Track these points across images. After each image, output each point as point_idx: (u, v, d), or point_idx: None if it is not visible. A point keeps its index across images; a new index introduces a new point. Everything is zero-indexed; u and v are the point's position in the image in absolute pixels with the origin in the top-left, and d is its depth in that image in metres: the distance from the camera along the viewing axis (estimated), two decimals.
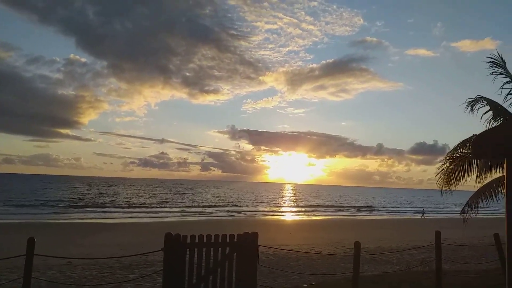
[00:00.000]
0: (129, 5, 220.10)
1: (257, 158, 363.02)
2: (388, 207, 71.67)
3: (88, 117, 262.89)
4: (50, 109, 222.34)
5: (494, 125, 11.30)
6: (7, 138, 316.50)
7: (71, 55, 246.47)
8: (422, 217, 45.57)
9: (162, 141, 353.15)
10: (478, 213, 12.97)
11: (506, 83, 11.31)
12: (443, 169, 12.53)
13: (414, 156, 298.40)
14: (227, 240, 6.42)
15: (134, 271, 11.40)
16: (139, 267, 11.95)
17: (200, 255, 6.23)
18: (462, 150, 12.00)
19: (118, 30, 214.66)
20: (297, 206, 65.50)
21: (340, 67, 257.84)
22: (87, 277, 10.49)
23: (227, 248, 6.41)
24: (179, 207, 52.45)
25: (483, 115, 11.80)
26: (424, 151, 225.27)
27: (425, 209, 53.74)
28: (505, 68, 11.29)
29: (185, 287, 6.08)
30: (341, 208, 63.30)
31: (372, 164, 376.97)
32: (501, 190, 12.04)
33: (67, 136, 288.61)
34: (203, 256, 6.24)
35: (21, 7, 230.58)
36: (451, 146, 12.62)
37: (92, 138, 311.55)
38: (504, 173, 6.56)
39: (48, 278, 9.43)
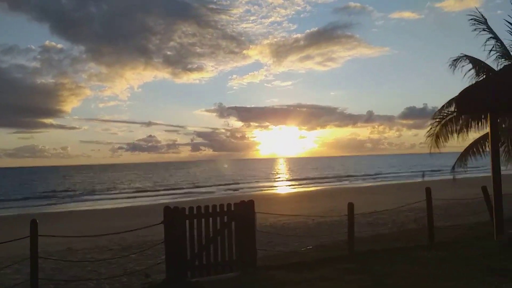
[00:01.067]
0: None
1: (247, 135, 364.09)
2: (381, 173, 72.64)
3: (70, 104, 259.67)
4: (31, 99, 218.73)
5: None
6: None
7: (47, 42, 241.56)
8: (423, 180, 46.37)
9: (148, 124, 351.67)
10: (467, 171, 13.30)
11: (488, 39, 11.50)
12: (431, 129, 12.78)
13: (404, 121, 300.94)
14: (225, 209, 6.56)
15: (135, 252, 11.55)
16: (140, 247, 12.10)
17: (200, 225, 6.36)
18: (449, 109, 12.23)
19: (93, 13, 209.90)
20: (291, 179, 66.14)
21: (325, 35, 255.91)
22: (89, 260, 10.62)
23: (225, 217, 6.55)
24: (172, 188, 52.58)
25: (466, 73, 12.02)
26: (414, 115, 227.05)
27: (425, 172, 53.90)
28: (486, 24, 11.42)
29: (188, 257, 6.23)
30: (335, 178, 64.04)
31: (363, 132, 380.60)
32: (488, 146, 12.36)
33: (51, 126, 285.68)
34: (202, 226, 6.37)
35: None
36: None
37: (77, 126, 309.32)
38: (489, 126, 6.74)
39: (50, 264, 9.53)
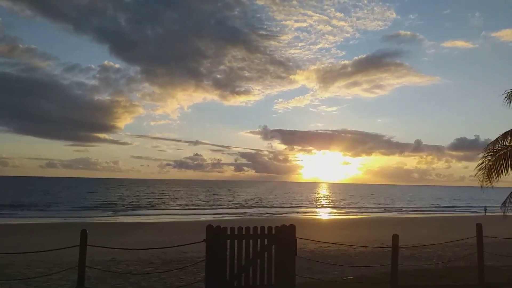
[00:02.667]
0: (158, 11, 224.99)
1: (290, 158, 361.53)
2: (428, 205, 69.73)
3: (124, 121, 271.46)
4: (88, 115, 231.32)
5: None
6: (49, 144, 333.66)
7: (106, 62, 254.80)
8: (485, 215, 44.08)
9: (196, 143, 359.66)
10: None
11: None
12: (483, 163, 12.20)
13: (454, 152, 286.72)
14: (266, 232, 6.60)
15: (175, 267, 11.77)
16: (180, 263, 12.31)
17: (240, 246, 6.44)
18: (504, 143, 11.66)
19: (149, 36, 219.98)
20: (333, 205, 64.89)
21: (373, 62, 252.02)
22: (131, 272, 10.95)
23: (266, 240, 6.58)
24: (215, 206, 53.24)
25: None
26: (465, 146, 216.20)
27: (487, 207, 50.42)
28: None
29: (227, 277, 6.30)
30: (379, 206, 62.15)
31: (410, 161, 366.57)
32: None
33: (105, 140, 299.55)
34: (243, 247, 6.44)
35: (56, 18, 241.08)
36: None
37: (129, 142, 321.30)
38: None
39: (95, 273, 9.92)
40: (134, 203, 55.19)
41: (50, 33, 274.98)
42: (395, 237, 7.22)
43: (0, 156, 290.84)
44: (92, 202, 56.22)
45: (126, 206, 50.15)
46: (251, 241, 6.54)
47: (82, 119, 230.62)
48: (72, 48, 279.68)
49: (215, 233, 6.29)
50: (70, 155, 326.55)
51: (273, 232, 6.63)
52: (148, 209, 47.13)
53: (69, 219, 33.35)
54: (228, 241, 6.39)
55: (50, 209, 44.52)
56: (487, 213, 45.20)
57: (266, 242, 6.57)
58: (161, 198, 68.41)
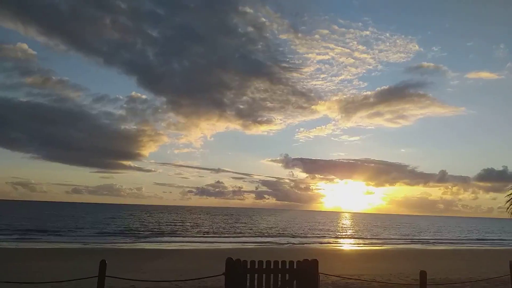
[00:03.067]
0: (186, 45, 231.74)
1: (311, 186, 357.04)
2: (456, 237, 67.31)
3: (148, 149, 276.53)
4: (114, 143, 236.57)
5: None
6: (75, 170, 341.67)
7: (133, 93, 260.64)
8: None
9: (217, 170, 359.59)
10: None
11: None
12: None
13: (481, 183, 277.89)
14: (287, 267, 6.42)
15: None
16: None
17: (260, 281, 6.26)
18: None
19: (175, 69, 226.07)
20: (356, 235, 63.35)
21: (396, 93, 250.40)
22: None
23: (287, 275, 6.39)
24: (235, 234, 52.76)
25: None
26: (493, 178, 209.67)
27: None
28: None
29: None
30: (404, 237, 60.32)
31: (435, 192, 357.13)
32: None
33: (130, 168, 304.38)
34: (263, 281, 6.27)
35: (88, 52, 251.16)
36: None
37: (153, 169, 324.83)
38: None
39: None
40: (155, 230, 55.26)
41: (81, 66, 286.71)
42: (423, 274, 6.90)
43: (29, 182, 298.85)
44: (114, 227, 56.65)
45: (147, 233, 50.25)
46: (271, 275, 6.36)
47: (109, 147, 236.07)
48: (101, 80, 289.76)
49: (234, 266, 6.15)
50: (96, 182, 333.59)
51: (295, 266, 6.44)
52: (169, 236, 47.02)
53: (91, 245, 33.57)
54: (248, 275, 6.23)
55: (74, 234, 45.02)
56: None
57: (287, 277, 6.38)
58: (182, 225, 68.34)
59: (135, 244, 36.92)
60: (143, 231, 52.70)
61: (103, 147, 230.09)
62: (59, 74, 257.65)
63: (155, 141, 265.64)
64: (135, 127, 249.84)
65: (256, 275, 6.24)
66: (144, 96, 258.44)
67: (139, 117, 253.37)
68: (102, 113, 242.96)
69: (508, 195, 11.70)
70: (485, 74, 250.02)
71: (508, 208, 11.72)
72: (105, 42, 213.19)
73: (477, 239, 62.28)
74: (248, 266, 6.22)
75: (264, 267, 6.30)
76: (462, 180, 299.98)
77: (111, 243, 36.38)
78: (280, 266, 6.35)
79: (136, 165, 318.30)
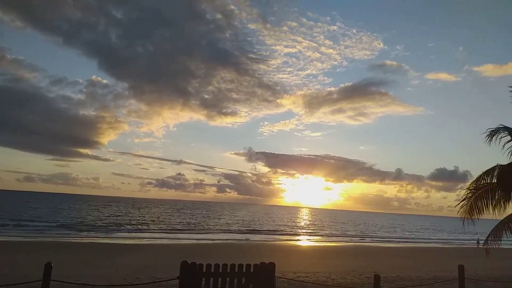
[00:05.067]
0: (151, 29, 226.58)
1: (273, 181, 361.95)
2: (408, 234, 70.03)
3: (107, 137, 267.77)
4: (71, 129, 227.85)
5: None
6: (28, 157, 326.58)
7: (93, 77, 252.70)
8: (478, 246, 44.05)
9: (179, 162, 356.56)
10: (501, 245, 12.57)
11: None
12: (465, 198, 12.26)
13: (434, 183, 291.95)
14: (244, 270, 6.35)
15: None
16: None
17: (216, 285, 6.16)
18: (486, 180, 11.74)
19: (139, 53, 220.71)
20: (314, 232, 64.55)
21: (358, 90, 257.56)
22: None
23: (243, 279, 6.33)
24: (195, 229, 52.35)
25: (505, 144, 11.61)
26: (445, 177, 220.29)
27: (479, 238, 50.22)
28: None
29: None
30: (359, 234, 62.11)
31: (390, 189, 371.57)
32: None
33: (87, 156, 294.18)
34: (218, 285, 6.17)
35: (46, 30, 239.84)
36: (473, 173, 12.43)
37: (111, 158, 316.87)
38: None
39: None
40: (112, 223, 53.84)
41: (39, 44, 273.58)
42: (377, 278, 7.04)
43: None
44: (69, 219, 54.67)
45: (103, 226, 48.88)
46: (227, 279, 6.27)
47: (65, 134, 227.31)
48: (60, 61, 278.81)
49: (189, 270, 6.01)
50: (50, 170, 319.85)
51: (252, 270, 6.39)
52: (127, 230, 45.99)
53: (42, 238, 32.25)
54: (204, 279, 6.11)
55: (24, 226, 43.02)
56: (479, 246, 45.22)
57: (243, 281, 6.31)
58: (140, 218, 67.03)
59: (90, 237, 35.82)
60: (99, 223, 51.22)
61: (59, 133, 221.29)
62: (14, 53, 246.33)
63: (115, 129, 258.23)
64: (94, 113, 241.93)
65: (211, 279, 6.14)
66: (105, 81, 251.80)
67: (99, 102, 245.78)
68: (59, 97, 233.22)
69: (460, 197, 12.15)
70: (444, 76, 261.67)
71: (460, 209, 12.21)
72: (65, 20, 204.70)
73: (428, 238, 65.09)
74: (204, 270, 6.10)
75: (220, 270, 6.21)
76: (416, 179, 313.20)
77: (65, 236, 35.13)
78: (236, 270, 6.28)
79: (93, 154, 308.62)
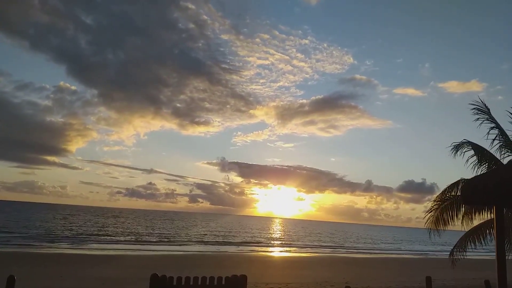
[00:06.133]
0: (121, 36, 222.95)
1: (246, 191, 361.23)
2: (378, 245, 71.13)
3: (76, 145, 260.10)
4: (38, 136, 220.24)
5: (478, 170, 11.58)
6: None
7: (61, 83, 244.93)
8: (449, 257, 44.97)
9: (150, 171, 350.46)
10: (466, 256, 13.01)
11: (491, 128, 11.64)
12: (432, 211, 12.66)
13: (402, 194, 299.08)
14: (215, 283, 6.33)
15: None
16: None
17: None
18: (451, 194, 12.17)
19: (109, 60, 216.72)
20: (286, 242, 64.70)
21: (329, 103, 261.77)
22: None
23: None
24: (166, 240, 51.49)
25: (469, 158, 12.10)
26: (413, 189, 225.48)
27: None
28: (489, 114, 11.64)
29: None
30: (331, 245, 62.66)
31: (361, 200, 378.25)
32: (489, 233, 12.15)
33: (54, 164, 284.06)
34: None
35: (12, 33, 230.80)
36: (439, 185, 12.88)
37: (79, 167, 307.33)
38: (494, 218, 6.69)
39: None
40: (79, 233, 52.30)
41: (3, 48, 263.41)
42: None
43: None
44: (33, 229, 52.74)
45: (70, 236, 47.42)
46: None
47: (31, 140, 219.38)
48: (26, 66, 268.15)
49: (159, 283, 5.95)
50: (15, 177, 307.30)
51: (223, 282, 6.38)
52: (95, 240, 44.75)
53: (4, 248, 30.99)
54: None
55: None
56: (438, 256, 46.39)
57: None
58: (109, 228, 65.42)
59: (56, 248, 34.68)
60: (66, 234, 49.67)
61: (25, 139, 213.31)
62: None
63: (83, 136, 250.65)
64: (62, 119, 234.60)
65: None
66: (73, 87, 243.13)
67: (67, 109, 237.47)
68: (25, 103, 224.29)
69: (427, 210, 12.54)
70: (411, 91, 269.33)
71: (426, 220, 12.61)
72: (32, 24, 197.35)
73: (398, 248, 66.25)
74: (174, 283, 6.05)
75: (191, 283, 6.17)
76: (386, 191, 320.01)
77: (29, 247, 33.86)
78: (207, 283, 6.25)
79: (61, 161, 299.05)
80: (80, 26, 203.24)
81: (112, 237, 49.84)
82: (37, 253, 29.01)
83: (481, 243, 12.46)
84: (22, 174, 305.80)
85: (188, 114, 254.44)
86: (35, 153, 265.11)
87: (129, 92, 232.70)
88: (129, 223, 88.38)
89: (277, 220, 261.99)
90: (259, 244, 56.26)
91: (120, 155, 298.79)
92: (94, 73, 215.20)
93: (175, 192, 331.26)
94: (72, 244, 39.13)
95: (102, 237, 48.76)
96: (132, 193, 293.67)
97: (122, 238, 49.41)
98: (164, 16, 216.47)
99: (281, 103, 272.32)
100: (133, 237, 52.48)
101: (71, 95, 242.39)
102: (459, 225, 12.51)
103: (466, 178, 11.22)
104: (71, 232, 53.07)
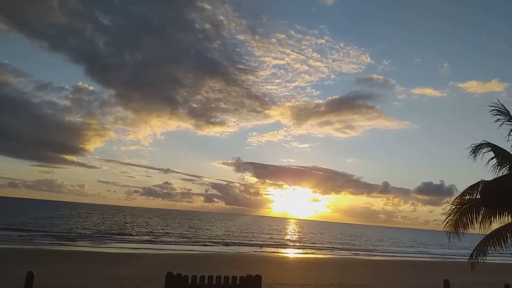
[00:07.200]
0: (138, 37, 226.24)
1: (261, 191, 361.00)
2: (396, 247, 70.26)
3: (93, 144, 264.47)
4: (57, 135, 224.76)
5: (499, 172, 11.29)
6: (12, 163, 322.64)
7: (80, 83, 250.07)
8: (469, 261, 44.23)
9: (166, 171, 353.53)
10: (486, 260, 12.73)
11: None
12: (450, 213, 12.41)
13: (420, 196, 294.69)
14: (229, 283, 6.34)
15: None
16: None
17: None
18: (470, 196, 11.91)
19: (127, 60, 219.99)
20: (302, 243, 64.45)
21: (346, 103, 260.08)
22: None
23: None
24: (182, 239, 51.90)
25: (489, 160, 11.82)
26: (431, 191, 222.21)
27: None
28: (509, 115, 11.38)
29: None
30: (347, 247, 62.15)
31: (377, 202, 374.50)
32: (510, 236, 11.86)
33: (72, 163, 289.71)
34: None
35: (31, 34, 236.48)
36: (458, 187, 12.62)
37: (97, 166, 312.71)
38: None
39: None
40: (97, 231, 53.10)
41: (24, 49, 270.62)
42: None
43: None
44: (53, 227, 53.79)
45: (88, 234, 48.20)
46: None
47: (50, 140, 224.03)
48: (46, 66, 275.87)
49: (174, 282, 5.98)
50: (35, 176, 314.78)
51: (238, 282, 6.38)
52: (111, 240, 45.35)
53: (26, 245, 31.66)
54: None
55: (6, 233, 42.19)
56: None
57: None
58: (126, 227, 66.26)
59: (75, 246, 35.28)
60: (84, 232, 50.50)
61: (44, 139, 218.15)
62: None
63: (101, 136, 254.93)
64: (80, 119, 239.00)
65: None
66: (91, 87, 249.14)
67: (85, 109, 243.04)
68: (45, 102, 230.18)
69: (446, 212, 12.33)
70: (429, 91, 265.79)
71: (445, 224, 12.38)
72: (51, 25, 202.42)
73: (415, 251, 65.36)
74: (189, 281, 6.07)
75: (206, 282, 6.19)
76: (403, 192, 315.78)
77: (49, 244, 34.53)
78: (222, 282, 6.26)
79: (79, 161, 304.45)
80: (98, 27, 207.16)
81: (129, 236, 50.46)
82: (55, 251, 29.57)
83: (501, 246, 12.17)
84: (42, 173, 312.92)
85: (204, 114, 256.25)
86: (54, 152, 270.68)
87: (145, 93, 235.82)
88: (146, 222, 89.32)
89: (292, 221, 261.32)
90: (275, 245, 56.15)
91: (137, 154, 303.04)
92: (112, 73, 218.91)
93: (190, 191, 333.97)
94: (90, 242, 39.74)
95: (119, 236, 49.39)
96: (149, 192, 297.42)
97: (138, 237, 49.98)
98: (181, 17, 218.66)
99: (297, 103, 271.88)
100: (150, 236, 53.01)
101: (89, 95, 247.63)
102: (477, 229, 12.27)
103: (486, 180, 10.98)
104: (89, 230, 53.93)
